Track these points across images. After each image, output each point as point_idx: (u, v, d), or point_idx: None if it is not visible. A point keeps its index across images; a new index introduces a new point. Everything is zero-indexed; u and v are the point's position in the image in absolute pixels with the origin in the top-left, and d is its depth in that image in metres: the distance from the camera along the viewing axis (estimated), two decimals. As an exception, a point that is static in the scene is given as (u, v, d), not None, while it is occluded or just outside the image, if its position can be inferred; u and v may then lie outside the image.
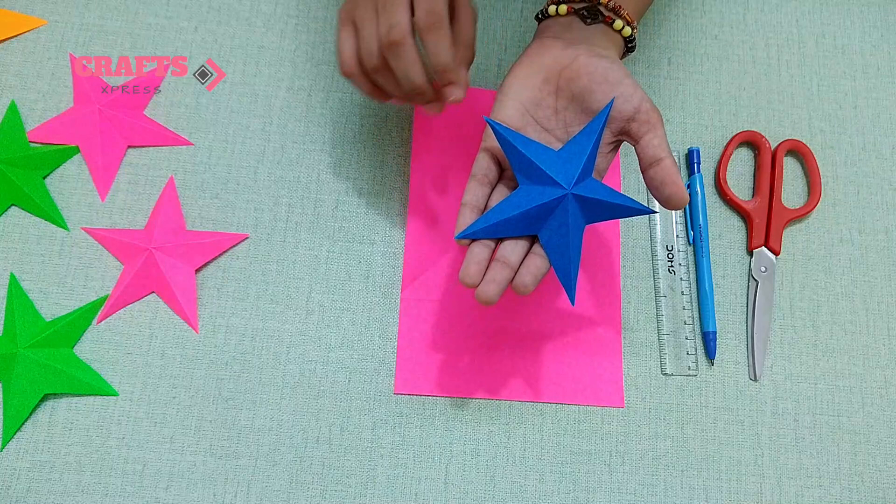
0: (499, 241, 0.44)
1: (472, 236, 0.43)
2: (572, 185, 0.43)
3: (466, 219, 0.44)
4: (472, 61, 0.47)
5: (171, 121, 0.58)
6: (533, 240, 0.45)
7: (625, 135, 0.45)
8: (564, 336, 0.54)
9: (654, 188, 0.44)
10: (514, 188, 0.46)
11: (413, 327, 0.54)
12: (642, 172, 0.45)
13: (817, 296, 0.57)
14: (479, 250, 0.44)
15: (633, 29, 0.48)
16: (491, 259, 0.44)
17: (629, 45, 0.49)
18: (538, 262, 0.44)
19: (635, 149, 0.45)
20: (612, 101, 0.44)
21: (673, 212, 0.57)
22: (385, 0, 0.43)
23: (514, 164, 0.44)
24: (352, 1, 0.46)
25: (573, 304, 0.46)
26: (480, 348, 0.54)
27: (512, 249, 0.44)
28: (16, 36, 0.59)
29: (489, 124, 0.45)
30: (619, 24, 0.48)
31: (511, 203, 0.44)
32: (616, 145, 0.46)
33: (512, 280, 0.44)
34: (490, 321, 0.54)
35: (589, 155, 0.43)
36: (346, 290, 0.55)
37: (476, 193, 0.46)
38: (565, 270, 0.44)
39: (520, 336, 0.54)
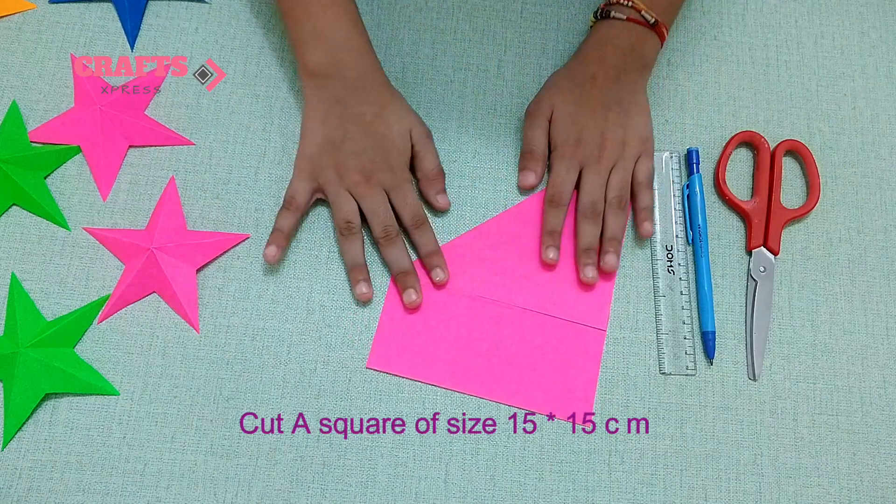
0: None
1: None
2: None
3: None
4: (444, 182, 0.56)
5: (172, 121, 0.58)
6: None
7: None
8: (545, 342, 0.54)
9: None
10: None
11: (397, 307, 0.54)
12: None
13: (816, 296, 0.57)
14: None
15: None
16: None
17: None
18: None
19: None
20: None
21: (673, 212, 0.58)
22: (371, 202, 0.53)
23: None
24: (316, 165, 0.54)
25: None
26: (459, 341, 0.53)
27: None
28: (4, 17, 0.59)
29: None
30: None
31: None
32: None
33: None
34: (471, 316, 0.54)
35: None
36: (346, 290, 0.55)
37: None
38: None
39: (499, 337, 0.54)
